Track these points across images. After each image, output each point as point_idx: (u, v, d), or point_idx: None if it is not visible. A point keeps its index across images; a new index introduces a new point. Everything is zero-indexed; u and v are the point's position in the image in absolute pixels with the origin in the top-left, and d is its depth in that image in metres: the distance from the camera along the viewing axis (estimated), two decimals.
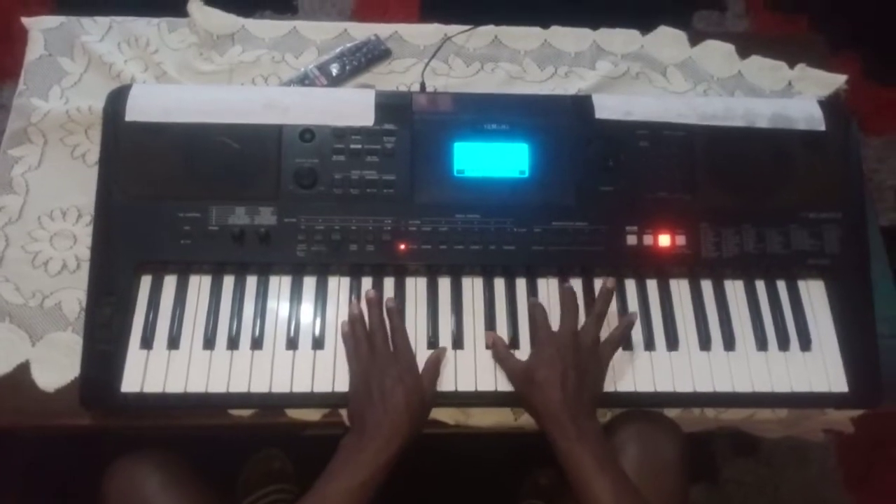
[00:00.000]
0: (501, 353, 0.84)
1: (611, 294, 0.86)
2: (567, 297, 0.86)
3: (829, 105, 0.98)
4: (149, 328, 0.84)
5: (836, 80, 1.09)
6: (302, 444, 1.20)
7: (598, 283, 0.90)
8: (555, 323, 0.84)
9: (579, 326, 0.84)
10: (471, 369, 0.85)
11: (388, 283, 0.89)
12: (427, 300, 0.88)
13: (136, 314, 0.85)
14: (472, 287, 0.90)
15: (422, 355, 0.85)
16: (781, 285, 0.92)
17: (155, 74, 1.03)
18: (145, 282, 0.86)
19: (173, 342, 0.84)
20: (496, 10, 1.16)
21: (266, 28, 1.09)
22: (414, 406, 0.79)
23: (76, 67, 1.03)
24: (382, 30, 1.10)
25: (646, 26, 1.13)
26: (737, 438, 1.37)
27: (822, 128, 0.94)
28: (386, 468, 0.75)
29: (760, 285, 0.91)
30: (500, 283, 0.90)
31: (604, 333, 0.85)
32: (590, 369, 0.81)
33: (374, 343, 0.82)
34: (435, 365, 0.83)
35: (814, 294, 0.92)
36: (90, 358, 0.82)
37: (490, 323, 0.87)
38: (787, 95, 1.08)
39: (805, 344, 0.89)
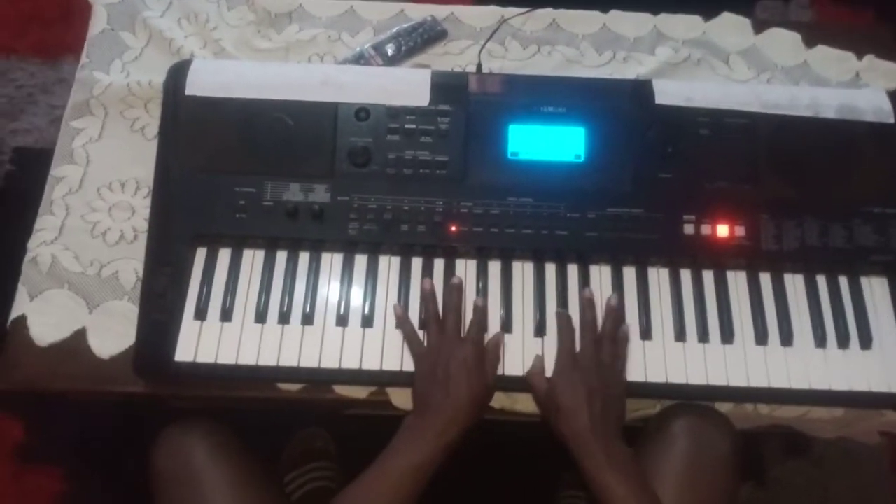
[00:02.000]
0: (534, 372, 0.83)
1: (618, 311, 0.85)
2: (587, 311, 0.84)
3: None
4: (203, 299, 0.85)
5: None
6: (344, 424, 1.22)
7: (651, 273, 0.89)
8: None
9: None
10: (519, 354, 0.85)
11: (438, 265, 0.89)
12: (477, 283, 0.88)
13: (191, 285, 0.86)
14: (523, 271, 0.89)
15: None
16: (843, 281, 0.89)
17: (213, 51, 1.04)
18: (200, 254, 0.88)
19: (226, 314, 0.85)
20: None
21: (323, 7, 1.09)
22: (476, 392, 0.79)
23: (137, 42, 1.05)
24: (439, 11, 1.09)
25: (707, 14, 1.10)
26: (787, 438, 1.34)
27: (892, 120, 0.91)
28: (446, 450, 0.76)
29: (821, 280, 0.89)
30: (551, 269, 0.89)
31: None
32: (612, 390, 0.80)
33: (445, 325, 0.83)
34: (495, 351, 0.83)
35: (876, 291, 0.89)
36: (145, 327, 0.84)
37: (540, 308, 0.87)
38: (854, 87, 1.05)
39: (866, 342, 0.86)
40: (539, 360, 0.84)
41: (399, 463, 0.76)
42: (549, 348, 0.84)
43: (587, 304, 0.85)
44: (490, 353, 0.83)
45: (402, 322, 0.85)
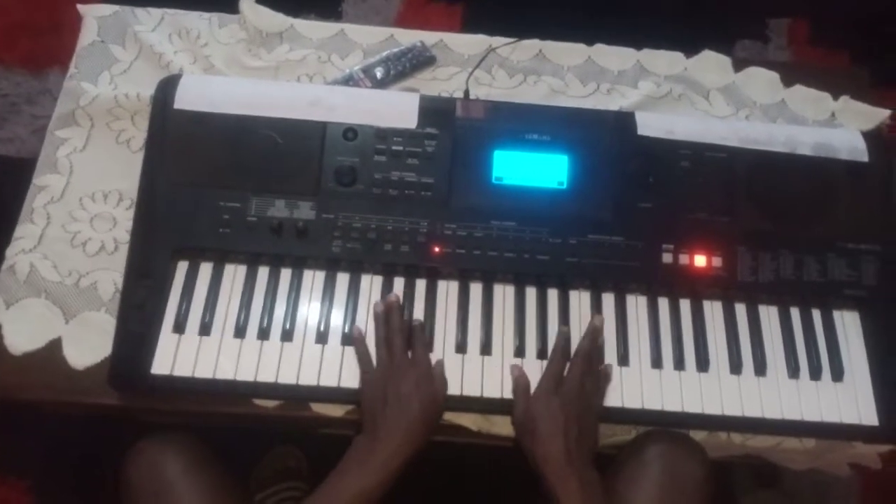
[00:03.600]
0: (519, 391, 0.83)
1: (598, 332, 0.85)
2: (586, 340, 0.84)
3: (873, 137, 0.97)
4: (182, 313, 0.85)
5: (879, 115, 1.08)
6: (317, 442, 1.20)
7: (630, 300, 0.90)
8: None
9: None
10: (497, 376, 0.85)
11: (420, 285, 0.89)
12: (458, 304, 0.89)
13: (171, 298, 0.86)
14: (504, 294, 0.90)
15: (451, 359, 0.85)
16: (816, 314, 0.91)
17: (203, 67, 1.05)
18: (182, 267, 0.87)
19: (205, 328, 0.84)
20: (538, 26, 1.17)
21: (314, 29, 1.11)
22: (429, 413, 0.79)
23: (127, 55, 1.05)
24: (428, 37, 1.11)
25: (688, 51, 1.13)
26: (758, 469, 1.34)
27: (865, 159, 0.94)
28: (397, 472, 0.76)
29: (795, 312, 0.91)
30: (531, 293, 0.90)
31: None
32: (587, 419, 0.80)
33: (391, 347, 0.82)
34: (442, 372, 0.83)
35: (848, 325, 0.91)
36: (122, 338, 0.83)
37: (520, 331, 0.87)
38: (830, 126, 1.08)
39: (837, 374, 0.88)
40: (525, 378, 0.83)
41: (350, 486, 0.75)
42: (529, 370, 0.84)
43: (591, 332, 0.85)
44: (438, 374, 0.83)
45: (358, 343, 0.84)
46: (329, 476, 0.77)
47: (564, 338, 0.85)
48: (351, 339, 0.85)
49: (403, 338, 0.83)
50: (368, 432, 0.78)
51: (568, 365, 0.83)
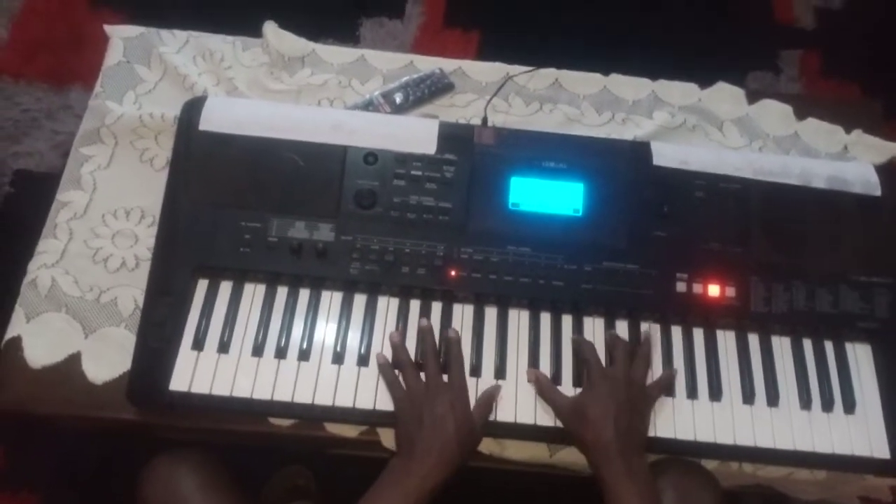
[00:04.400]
0: (546, 387, 0.85)
1: (656, 340, 0.88)
2: (618, 340, 0.87)
3: (887, 171, 0.99)
4: (201, 330, 0.86)
5: (891, 148, 1.09)
6: (326, 463, 1.21)
7: (643, 327, 0.91)
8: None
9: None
10: (511, 400, 0.86)
11: (436, 308, 0.90)
12: (473, 328, 0.89)
13: (191, 316, 0.87)
14: (518, 319, 0.91)
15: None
16: (829, 346, 0.91)
17: (226, 89, 1.07)
18: (202, 285, 0.89)
19: (224, 346, 0.86)
20: (553, 54, 1.19)
21: (335, 54, 1.13)
22: (463, 436, 0.79)
23: (152, 76, 1.08)
24: (447, 64, 1.13)
25: (700, 82, 1.15)
26: (768, 499, 1.34)
27: (878, 192, 0.95)
28: (430, 495, 0.76)
29: (808, 344, 0.91)
30: (546, 318, 0.91)
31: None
32: (639, 409, 0.82)
33: (426, 368, 0.83)
34: (488, 400, 0.84)
35: (861, 357, 0.91)
36: (142, 354, 0.84)
37: (534, 356, 0.88)
38: (842, 159, 1.09)
39: (849, 406, 0.88)
40: (544, 376, 0.85)
41: None
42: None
43: (616, 338, 0.88)
44: (482, 401, 0.84)
45: (384, 368, 0.85)
46: (365, 495, 0.77)
47: (591, 345, 0.87)
48: (378, 366, 0.85)
49: (436, 359, 0.84)
50: (404, 454, 0.79)
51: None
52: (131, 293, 0.91)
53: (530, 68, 1.13)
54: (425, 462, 0.77)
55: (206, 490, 0.80)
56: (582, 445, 0.80)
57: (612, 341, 0.88)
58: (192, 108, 0.94)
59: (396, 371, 0.85)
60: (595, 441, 0.78)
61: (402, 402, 0.82)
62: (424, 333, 0.86)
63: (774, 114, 1.12)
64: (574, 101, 1.12)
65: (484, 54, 1.77)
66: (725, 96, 1.14)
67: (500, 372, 0.87)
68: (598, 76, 1.14)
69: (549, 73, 1.14)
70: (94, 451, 1.30)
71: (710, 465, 0.88)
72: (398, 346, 0.86)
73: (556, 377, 0.87)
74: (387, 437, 0.87)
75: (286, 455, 1.30)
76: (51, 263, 0.92)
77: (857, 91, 1.80)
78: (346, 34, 1.79)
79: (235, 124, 0.93)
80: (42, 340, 0.88)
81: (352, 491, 0.78)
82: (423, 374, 0.83)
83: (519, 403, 0.86)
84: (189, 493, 0.80)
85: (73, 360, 0.88)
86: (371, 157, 0.92)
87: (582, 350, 0.86)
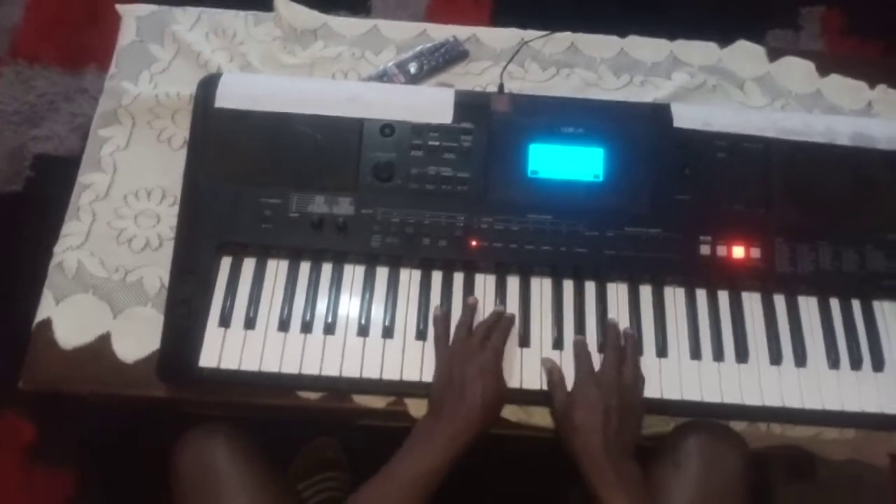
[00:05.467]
0: (552, 383, 0.84)
1: (615, 326, 0.87)
2: (610, 334, 0.86)
3: None
4: (227, 307, 0.87)
5: None
6: (354, 434, 1.22)
7: (667, 292, 0.90)
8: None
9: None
10: (536, 368, 0.86)
11: (458, 279, 0.91)
12: (495, 297, 0.90)
13: (216, 293, 0.88)
14: (541, 287, 0.91)
15: None
16: (856, 304, 0.91)
17: (240, 65, 1.06)
18: (225, 262, 0.89)
19: (250, 322, 0.86)
20: (568, 18, 1.17)
21: (348, 25, 1.12)
22: (489, 401, 0.79)
23: (166, 54, 1.07)
24: (460, 31, 1.12)
25: (719, 41, 1.13)
26: (794, 461, 1.34)
27: None
28: (456, 456, 0.77)
29: (835, 303, 0.91)
30: (568, 285, 0.91)
31: None
32: (630, 409, 0.80)
33: (474, 332, 0.84)
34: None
35: (889, 315, 0.90)
36: (170, 332, 0.85)
37: (558, 324, 0.88)
38: (866, 115, 1.07)
39: (878, 364, 0.88)
40: (558, 371, 0.84)
41: (410, 467, 0.76)
42: (567, 362, 0.85)
43: (611, 328, 0.86)
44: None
45: (437, 322, 0.86)
46: (392, 457, 0.78)
47: (613, 329, 0.86)
48: (432, 318, 0.87)
49: (487, 330, 0.85)
50: (433, 413, 0.80)
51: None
52: (156, 272, 0.92)
53: (545, 33, 1.11)
54: (452, 424, 0.77)
55: (237, 461, 0.81)
56: (571, 452, 0.79)
57: (604, 338, 0.87)
58: (208, 86, 0.94)
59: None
60: (583, 450, 0.77)
61: (441, 361, 0.83)
62: (466, 308, 0.87)
63: (796, 71, 1.10)
64: (591, 65, 1.10)
65: (497, 20, 1.74)
66: (746, 55, 1.12)
67: (524, 341, 0.87)
68: (615, 39, 1.12)
69: (564, 38, 1.12)
70: (124, 427, 1.32)
71: (738, 426, 0.88)
72: (468, 306, 0.87)
73: None
74: (414, 407, 0.87)
75: (313, 429, 1.31)
76: (76, 245, 0.93)
77: (880, 49, 1.76)
78: (357, 4, 1.77)
79: (251, 100, 0.92)
80: (71, 322, 0.89)
81: (381, 461, 0.79)
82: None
83: (544, 371, 0.86)
84: (222, 465, 0.81)
85: (103, 340, 0.89)
86: (388, 128, 0.92)
87: (577, 357, 0.85)
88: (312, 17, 1.12)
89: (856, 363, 0.87)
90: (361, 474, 0.78)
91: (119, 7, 1.11)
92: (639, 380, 0.84)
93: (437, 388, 0.82)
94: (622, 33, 1.13)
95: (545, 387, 0.85)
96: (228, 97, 0.93)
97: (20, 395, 0.89)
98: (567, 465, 0.80)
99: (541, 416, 0.89)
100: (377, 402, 0.88)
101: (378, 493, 0.76)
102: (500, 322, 0.86)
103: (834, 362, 0.87)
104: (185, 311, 0.86)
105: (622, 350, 0.85)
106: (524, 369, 0.86)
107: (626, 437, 0.79)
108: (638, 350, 0.86)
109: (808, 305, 0.90)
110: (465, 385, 0.79)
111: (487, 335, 0.84)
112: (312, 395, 0.87)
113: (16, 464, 1.33)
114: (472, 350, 0.82)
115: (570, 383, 0.83)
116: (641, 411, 0.83)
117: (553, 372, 0.84)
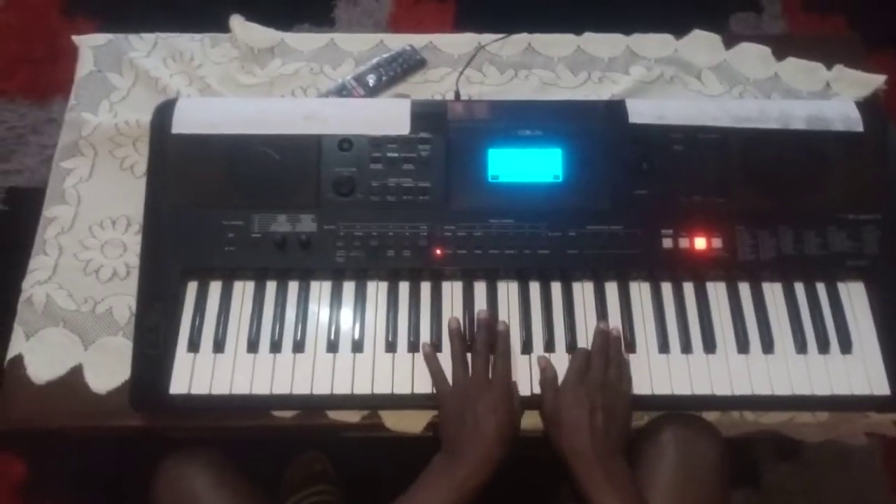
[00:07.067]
0: (546, 383, 0.83)
1: (605, 332, 0.86)
2: (599, 338, 0.86)
3: (867, 105, 0.97)
4: (195, 332, 0.87)
5: (874, 81, 1.08)
6: (342, 446, 1.23)
7: (633, 287, 0.91)
8: None
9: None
10: (514, 372, 0.86)
11: (425, 288, 0.91)
12: (463, 304, 0.90)
13: (183, 319, 0.88)
14: (508, 291, 0.91)
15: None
16: (821, 287, 0.91)
17: (199, 88, 1.06)
18: (191, 287, 0.89)
19: (218, 346, 0.87)
20: (529, 19, 1.18)
21: (304, 41, 1.12)
22: (505, 434, 0.79)
23: (124, 82, 1.07)
24: (417, 40, 1.12)
25: (681, 30, 1.13)
26: (779, 443, 1.35)
27: (860, 129, 0.94)
28: (474, 493, 0.76)
29: (799, 287, 0.91)
30: (535, 287, 0.91)
31: None
32: (617, 409, 0.81)
33: (474, 364, 0.83)
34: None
35: (854, 296, 0.91)
36: (140, 361, 0.86)
37: (525, 327, 0.88)
38: (825, 97, 1.07)
39: (846, 346, 0.88)
40: (552, 369, 0.84)
41: (427, 500, 0.76)
42: (536, 366, 0.86)
43: (599, 332, 0.86)
44: (516, 392, 0.83)
45: (430, 359, 0.85)
46: (408, 490, 0.78)
47: (601, 333, 0.86)
48: (423, 356, 0.85)
49: (487, 356, 0.84)
50: (447, 452, 0.79)
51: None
52: (125, 301, 0.92)
53: (501, 36, 1.12)
54: (468, 463, 0.77)
55: (217, 485, 0.82)
56: (559, 453, 0.79)
57: (592, 340, 0.87)
58: (164, 112, 0.94)
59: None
60: (571, 449, 0.77)
61: (446, 397, 0.82)
62: (482, 327, 0.85)
63: (753, 57, 1.11)
64: (549, 65, 1.11)
65: (460, 24, 1.75)
66: (702, 44, 1.12)
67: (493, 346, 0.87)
68: (570, 37, 1.13)
69: (521, 39, 1.12)
70: (111, 457, 1.33)
71: (711, 416, 0.88)
72: (454, 335, 0.85)
73: (550, 345, 0.88)
74: (389, 419, 0.88)
75: (301, 443, 1.32)
76: (44, 279, 0.94)
77: (841, 23, 1.77)
78: (320, 17, 1.77)
79: (208, 124, 0.93)
80: (43, 356, 0.90)
81: (369, 471, 0.79)
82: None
83: (515, 374, 0.86)
84: (201, 490, 0.81)
85: (75, 372, 0.89)
86: (346, 143, 0.92)
87: (575, 355, 0.85)
88: (268, 35, 1.12)
89: (823, 346, 0.88)
90: (351, 485, 0.79)
91: (75, 38, 1.11)
92: (626, 379, 0.84)
93: (449, 427, 0.80)
94: (578, 30, 1.13)
95: (526, 392, 0.85)
96: (185, 122, 0.93)
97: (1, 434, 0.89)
98: (556, 461, 0.80)
99: (524, 417, 0.88)
100: (352, 416, 0.88)
101: None
102: (492, 333, 0.85)
103: (801, 347, 0.88)
104: (154, 339, 0.86)
105: (609, 351, 0.85)
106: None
107: (614, 435, 0.79)
108: (622, 349, 0.86)
109: (773, 291, 0.91)
110: (479, 423, 0.78)
111: (487, 363, 0.83)
112: (286, 414, 0.88)
113: (8, 499, 1.33)
114: (480, 386, 0.81)
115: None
116: (629, 410, 0.83)
117: (547, 370, 0.84)
